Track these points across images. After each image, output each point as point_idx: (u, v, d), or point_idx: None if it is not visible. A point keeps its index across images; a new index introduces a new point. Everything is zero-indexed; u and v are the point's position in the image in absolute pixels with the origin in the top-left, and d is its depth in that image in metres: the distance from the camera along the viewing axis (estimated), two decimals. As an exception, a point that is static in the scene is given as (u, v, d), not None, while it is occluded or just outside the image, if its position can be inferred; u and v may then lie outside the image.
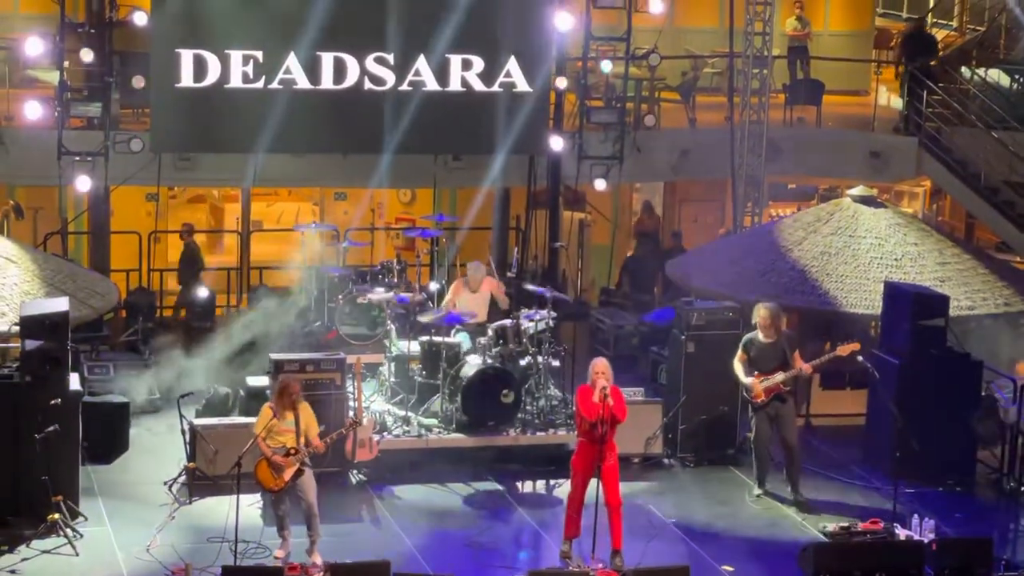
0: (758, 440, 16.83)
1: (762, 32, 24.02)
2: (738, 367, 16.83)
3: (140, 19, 20.47)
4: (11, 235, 20.79)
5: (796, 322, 19.64)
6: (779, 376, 16.59)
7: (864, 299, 19.42)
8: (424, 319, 18.11)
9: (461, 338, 18.17)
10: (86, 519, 15.38)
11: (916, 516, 15.82)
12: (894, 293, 18.24)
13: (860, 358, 16.66)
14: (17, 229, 22.10)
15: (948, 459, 17.38)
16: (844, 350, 16.65)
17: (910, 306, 17.77)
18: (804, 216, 21.40)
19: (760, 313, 16.83)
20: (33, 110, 20.92)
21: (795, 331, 17.68)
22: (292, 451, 14.40)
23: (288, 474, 14.42)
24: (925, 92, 23.78)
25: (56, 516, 14.94)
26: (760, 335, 16.75)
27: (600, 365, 14.87)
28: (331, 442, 14.91)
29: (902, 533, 15.65)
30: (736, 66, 24.34)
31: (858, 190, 21.16)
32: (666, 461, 17.91)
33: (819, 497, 16.82)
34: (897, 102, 25.69)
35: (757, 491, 16.92)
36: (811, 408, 19.55)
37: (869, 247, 20.10)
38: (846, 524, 15.88)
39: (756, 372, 16.67)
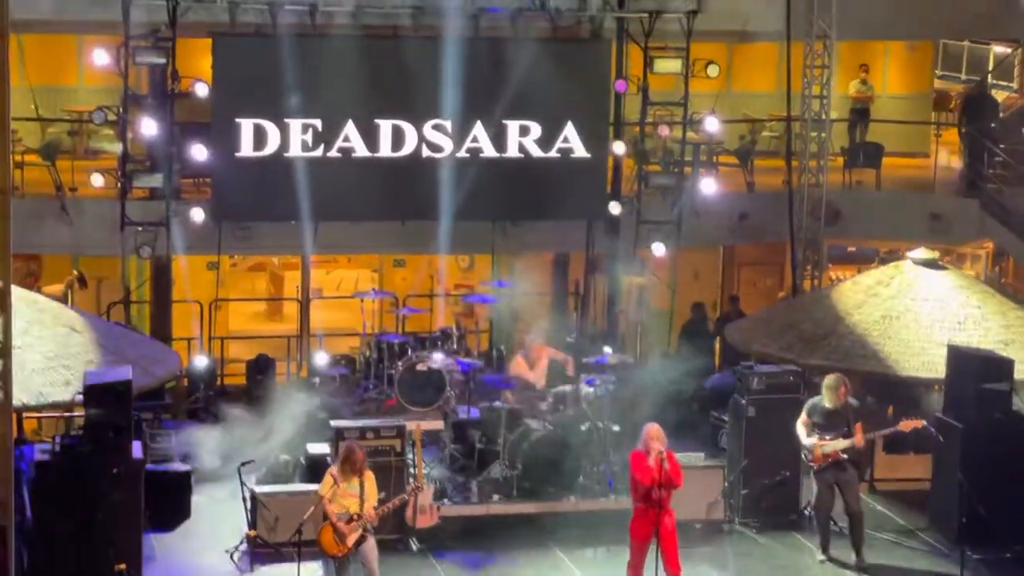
0: (819, 506, 16.73)
1: (820, 95, 24.01)
2: (800, 429, 16.75)
3: (201, 90, 20.70)
4: (75, 305, 20.98)
5: (859, 386, 19.50)
6: (840, 443, 16.47)
7: (927, 363, 19.24)
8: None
9: (521, 404, 18.15)
10: (149, 587, 15.44)
11: (983, 582, 15.66)
12: (957, 356, 18.09)
13: (924, 423, 16.56)
14: (81, 299, 22.30)
15: (1015, 525, 17.14)
16: (907, 425, 16.61)
17: (974, 369, 17.63)
18: (864, 279, 21.28)
19: (826, 380, 16.75)
20: (96, 181, 21.18)
21: (859, 397, 17.54)
22: (355, 517, 14.40)
23: (351, 540, 14.41)
24: (986, 153, 23.66)
25: (119, 585, 15.01)
26: (825, 401, 16.65)
27: (653, 430, 14.84)
28: (391, 509, 14.89)
29: (969, 599, 15.49)
30: (794, 129, 24.32)
31: (919, 252, 21.02)
32: (728, 526, 17.78)
33: (884, 563, 16.63)
34: (957, 163, 25.58)
35: (820, 557, 16.77)
36: (875, 472, 19.38)
37: (931, 310, 19.94)
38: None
39: (817, 437, 16.56)
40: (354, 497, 14.46)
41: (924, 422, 16.63)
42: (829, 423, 16.57)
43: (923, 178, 25.91)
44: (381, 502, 14.76)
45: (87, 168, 22.04)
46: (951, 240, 24.65)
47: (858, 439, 16.52)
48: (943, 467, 17.28)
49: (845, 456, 16.54)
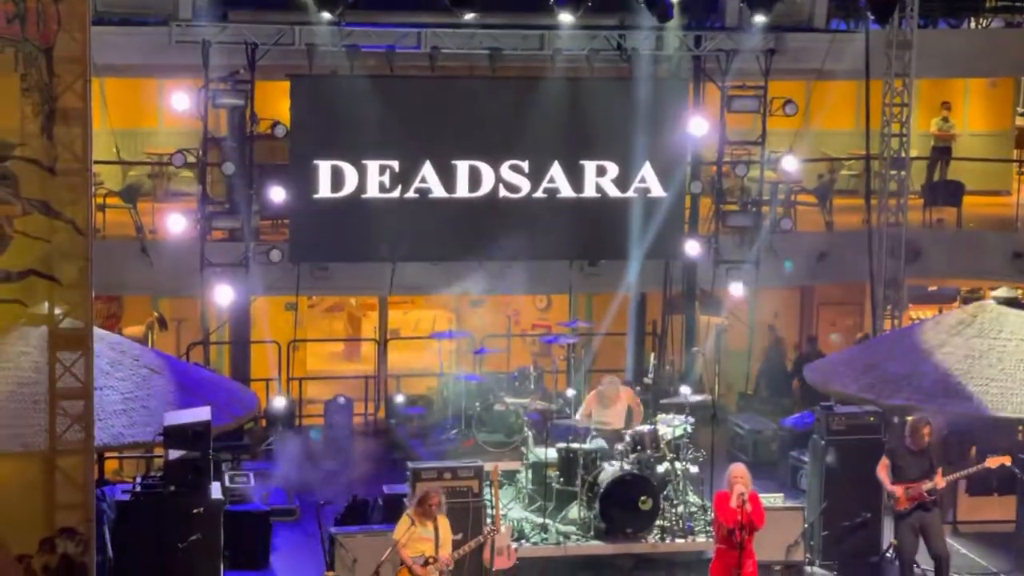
0: (902, 550, 16.47)
1: (899, 133, 23.84)
2: (882, 473, 16.54)
3: (280, 132, 20.87)
4: (155, 346, 21.15)
5: (942, 425, 19.27)
6: (924, 485, 16.26)
7: (1011, 402, 18.98)
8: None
9: (598, 444, 18.08)
10: (228, 628, 15.47)
11: (1070, 625, 15.40)
12: (1041, 395, 17.86)
13: (1009, 463, 16.32)
14: (161, 340, 22.49)
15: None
16: (993, 462, 16.36)
17: (1057, 408, 17.39)
18: (946, 319, 21.04)
19: (910, 421, 16.57)
20: (176, 223, 21.38)
21: (941, 436, 17.30)
22: (431, 560, 14.34)
23: (427, 583, 14.37)
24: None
25: (198, 625, 15.05)
26: (908, 443, 16.46)
27: (738, 471, 14.72)
28: (469, 551, 14.82)
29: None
30: (873, 168, 24.16)
31: (1002, 291, 20.79)
32: (808, 569, 17.58)
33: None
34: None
35: None
36: (958, 514, 19.13)
37: (1015, 349, 19.68)
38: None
39: (898, 480, 16.36)
40: (429, 541, 14.40)
41: (1010, 459, 16.34)
42: (912, 465, 16.37)
43: (1005, 216, 25.65)
44: (457, 544, 14.71)
45: (167, 210, 22.25)
46: (1034, 278, 24.36)
47: (940, 482, 16.30)
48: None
49: (930, 497, 16.32)
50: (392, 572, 14.49)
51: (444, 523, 14.58)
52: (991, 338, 19.84)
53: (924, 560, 16.73)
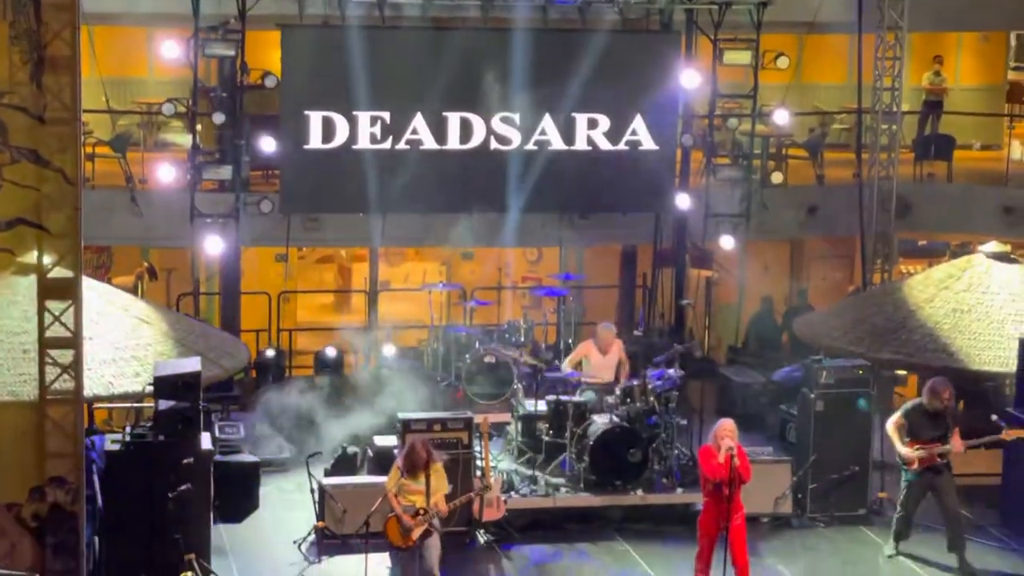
0: (906, 504, 16.42)
1: (891, 87, 23.81)
2: (893, 431, 16.35)
3: (270, 82, 20.81)
4: (145, 296, 21.14)
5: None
6: (937, 448, 16.13)
7: (998, 357, 19.06)
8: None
9: (588, 396, 18.13)
10: (217, 577, 15.54)
11: (1054, 578, 15.50)
12: (1029, 350, 17.90)
13: (995, 417, 16.34)
14: (151, 290, 22.47)
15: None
16: (1009, 435, 16.18)
17: (1046, 364, 17.43)
18: (935, 273, 21.10)
19: (930, 383, 16.36)
20: (166, 173, 21.34)
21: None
22: (421, 511, 14.39)
23: (416, 534, 14.40)
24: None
25: (189, 574, 15.08)
26: (925, 403, 16.29)
27: (728, 425, 14.74)
28: (458, 506, 14.88)
29: (1041, 595, 15.34)
30: (865, 122, 24.14)
31: (991, 246, 20.80)
32: (796, 521, 17.67)
33: (935, 538, 16.47)
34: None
35: (890, 552, 16.61)
36: (945, 468, 19.20)
37: (1003, 304, 19.75)
38: (980, 586, 15.60)
39: (911, 439, 16.24)
40: (420, 492, 14.43)
41: None
42: (928, 427, 16.19)
43: (995, 171, 25.66)
44: (449, 497, 14.74)
45: (157, 160, 22.21)
46: (1023, 233, 24.41)
47: (958, 446, 16.15)
48: (1014, 462, 17.08)
49: (942, 460, 16.19)
50: (382, 522, 14.55)
51: (438, 475, 14.58)
52: (980, 292, 19.92)
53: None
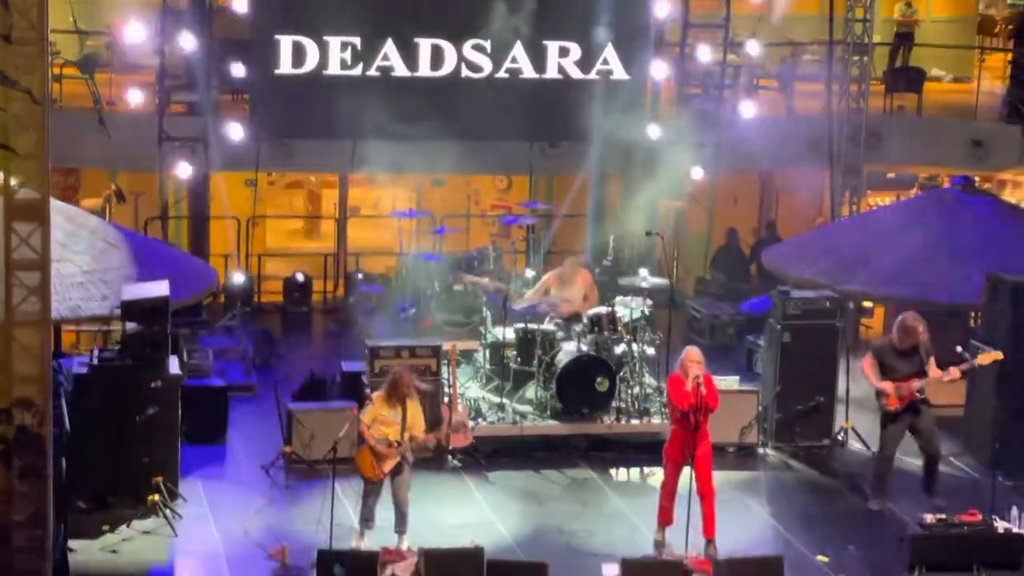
0: (884, 452, 16.14)
1: (863, 19, 23.78)
2: (868, 371, 16.07)
3: (240, 6, 20.65)
4: (113, 219, 21.06)
5: (894, 313, 19.36)
6: (915, 384, 15.87)
7: (964, 289, 19.18)
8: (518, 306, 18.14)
9: (556, 325, 18.17)
10: (185, 500, 15.57)
11: (1015, 508, 15.61)
12: (995, 283, 18.00)
13: (960, 349, 16.40)
14: (119, 214, 22.39)
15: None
16: (985, 359, 16.02)
17: (1011, 296, 17.52)
18: (903, 205, 21.18)
19: (902, 319, 16.04)
20: (134, 96, 21.20)
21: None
22: (395, 444, 14.38)
23: (388, 466, 14.40)
24: (1029, 79, 23.45)
25: (156, 497, 15.14)
26: (897, 341, 16.01)
27: (693, 354, 14.79)
28: (437, 440, 14.90)
29: (1000, 525, 15.45)
30: (836, 53, 24.12)
31: (959, 179, 20.91)
32: (761, 451, 17.81)
33: (916, 488, 16.59)
34: (1001, 90, 25.34)
35: (876, 506, 16.27)
36: (909, 399, 19.33)
37: (970, 237, 19.85)
38: (943, 515, 15.70)
39: (887, 380, 15.96)
40: (395, 424, 14.40)
41: (1002, 355, 16.06)
42: (902, 364, 15.93)
43: (965, 103, 25.70)
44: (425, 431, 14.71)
45: (125, 82, 22.06)
46: (992, 167, 24.48)
47: (953, 371, 15.86)
48: (977, 393, 17.22)
49: (920, 396, 15.92)
50: (349, 449, 14.57)
51: (414, 408, 14.57)
52: (947, 225, 20.01)
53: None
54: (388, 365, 16.38)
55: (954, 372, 15.96)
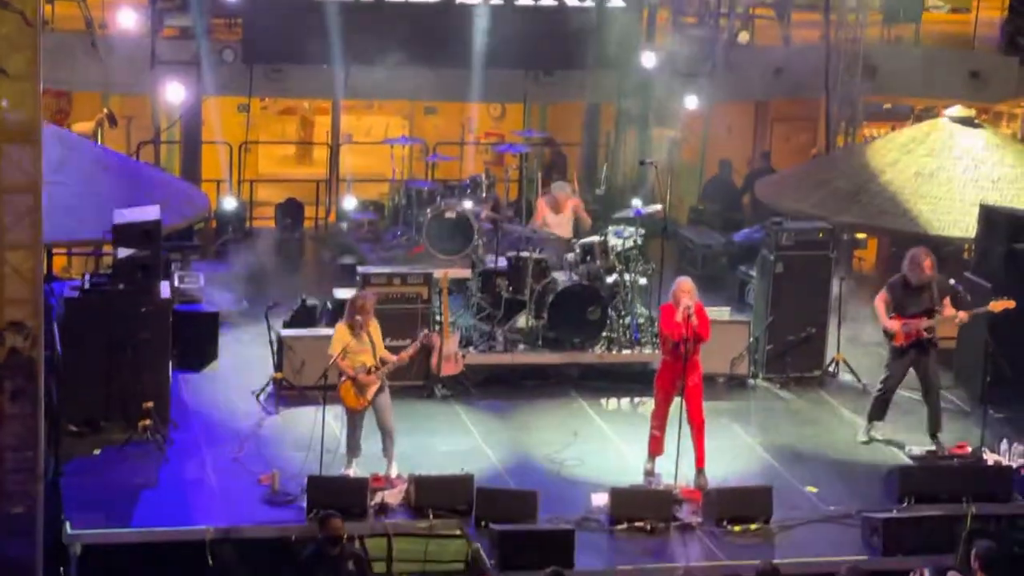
0: (887, 386, 16.05)
1: (862, -52, 23.63)
2: (879, 307, 15.92)
3: (233, -71, 20.50)
4: (105, 143, 20.97)
5: (889, 245, 19.36)
6: (923, 322, 15.73)
7: (958, 222, 19.17)
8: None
9: (548, 254, 18.14)
10: (176, 426, 15.58)
11: (1005, 441, 15.68)
12: (989, 216, 17.97)
13: (952, 282, 16.38)
14: (111, 137, 22.29)
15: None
16: (997, 306, 15.79)
17: (1005, 229, 17.49)
18: (898, 137, 21.13)
19: (910, 254, 15.87)
20: (127, 19, 21.05)
21: (890, 256, 16.78)
22: (373, 368, 14.37)
23: (371, 392, 14.40)
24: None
25: (147, 422, 15.14)
26: (907, 276, 15.84)
27: (685, 284, 14.77)
28: (413, 355, 14.81)
29: (990, 458, 15.53)
30: (833, -18, 23.98)
31: (955, 110, 20.83)
32: (751, 381, 17.82)
33: (909, 421, 16.63)
34: (999, 20, 25.21)
35: (863, 438, 16.24)
36: (900, 332, 19.33)
37: (965, 169, 19.82)
38: (933, 448, 15.76)
39: (896, 315, 15.80)
40: (367, 351, 14.37)
41: (1014, 303, 15.83)
42: (912, 301, 15.79)
43: (963, 34, 25.56)
44: (398, 350, 14.68)
45: (118, 4, 21.88)
46: (989, 98, 24.38)
47: (961, 314, 15.74)
48: (969, 326, 17.20)
49: (928, 335, 15.79)
50: (338, 376, 14.54)
51: (374, 327, 14.55)
52: (942, 157, 20.00)
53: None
54: (379, 292, 16.34)
55: (963, 315, 15.88)
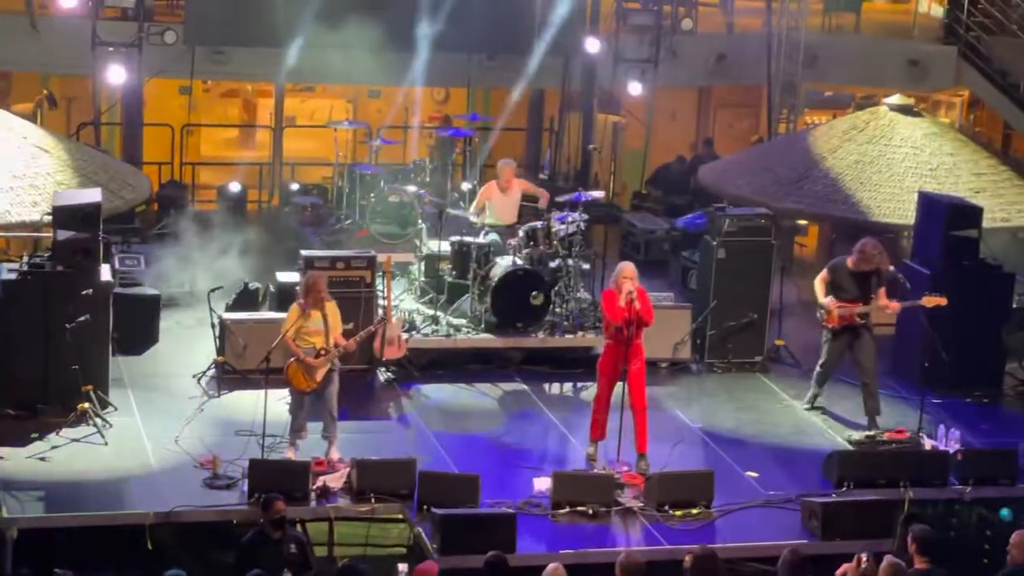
0: (825, 366, 16.35)
1: (804, -63, 23.73)
2: (818, 286, 16.18)
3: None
4: (44, 124, 20.80)
5: (830, 231, 19.45)
6: (857, 308, 15.96)
7: (898, 209, 19.31)
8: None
9: (492, 238, 18.14)
10: (116, 409, 15.48)
11: (942, 426, 15.81)
12: (928, 203, 18.09)
13: (892, 269, 16.50)
14: (50, 119, 22.13)
15: (977, 370, 17.31)
16: (928, 302, 16.01)
17: (944, 216, 17.62)
18: (839, 124, 21.25)
19: (862, 244, 16.08)
20: (68, -1, 20.90)
21: (831, 242, 17.02)
22: (322, 351, 14.34)
23: (320, 375, 14.37)
24: (966, 0, 23.48)
25: (86, 406, 15.04)
26: (852, 263, 16.04)
27: (627, 270, 14.80)
28: (360, 341, 14.84)
29: (928, 443, 15.66)
30: (776, -30, 24.09)
31: (895, 99, 20.98)
32: (694, 367, 17.90)
33: (845, 405, 16.75)
34: (938, 10, 25.40)
35: (805, 405, 16.62)
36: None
37: (904, 156, 19.96)
38: (872, 433, 15.88)
39: (834, 297, 16.07)
40: (319, 332, 14.35)
41: (945, 300, 16.08)
42: (851, 286, 16.02)
43: (903, 23, 25.72)
44: (349, 333, 14.70)
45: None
46: (928, 87, 24.56)
47: (892, 305, 16.03)
48: (908, 313, 17.34)
49: (861, 321, 16.05)
50: (283, 359, 14.50)
51: (332, 309, 14.54)
52: (882, 144, 20.14)
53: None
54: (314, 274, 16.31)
55: (894, 306, 16.17)
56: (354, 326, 15.27)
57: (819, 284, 16.23)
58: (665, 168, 24.60)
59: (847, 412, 16.55)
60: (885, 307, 16.09)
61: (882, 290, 16.09)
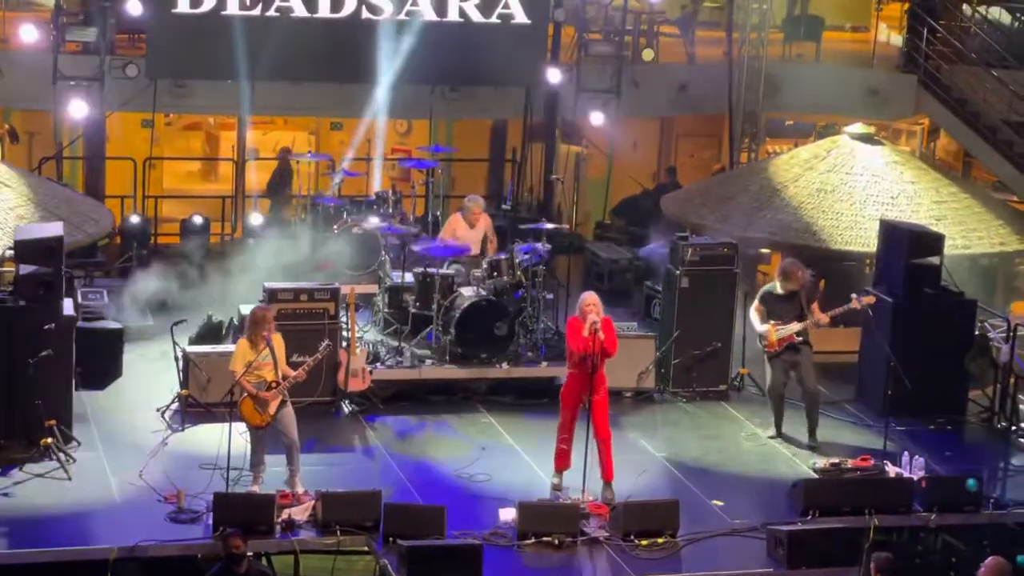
0: (773, 389, 16.57)
1: (763, -33, 23.89)
2: (754, 316, 16.57)
3: (137, -57, 20.36)
4: (6, 159, 20.73)
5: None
6: (794, 326, 16.28)
7: (859, 237, 19.41)
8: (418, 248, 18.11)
9: (455, 270, 18.15)
10: (79, 444, 15.40)
11: (906, 453, 15.87)
12: (889, 231, 18.20)
13: (854, 295, 16.59)
14: (12, 153, 22.06)
15: (940, 397, 17.39)
16: (861, 302, 16.29)
17: (905, 244, 17.73)
18: (801, 153, 21.36)
19: (781, 266, 16.57)
20: (28, 33, 20.84)
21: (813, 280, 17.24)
22: (273, 384, 14.29)
23: (273, 408, 14.32)
24: (925, 29, 23.67)
25: (49, 440, 14.96)
26: (777, 286, 16.46)
27: (590, 299, 14.84)
28: (308, 369, 14.70)
29: (892, 470, 15.72)
30: (736, 1, 24.21)
31: (856, 127, 21.11)
32: (658, 396, 17.93)
33: (802, 428, 16.80)
34: (897, 39, 25.59)
35: (771, 433, 16.72)
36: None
37: (865, 185, 20.08)
38: (836, 461, 15.92)
39: (771, 322, 16.39)
40: (269, 365, 14.29)
41: (874, 299, 16.46)
42: (783, 308, 16.40)
43: (863, 53, 25.90)
44: (296, 365, 14.62)
45: (19, 19, 21.66)
46: (888, 115, 24.73)
47: (822, 316, 16.32)
48: (871, 340, 17.45)
49: (799, 338, 16.38)
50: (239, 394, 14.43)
51: (278, 340, 14.46)
52: (843, 173, 20.26)
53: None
54: (286, 308, 16.28)
55: (823, 317, 16.44)
56: (317, 360, 15.21)
57: (755, 314, 16.61)
58: (632, 200, 24.67)
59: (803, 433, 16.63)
60: (819, 319, 16.39)
61: (814, 306, 16.42)
